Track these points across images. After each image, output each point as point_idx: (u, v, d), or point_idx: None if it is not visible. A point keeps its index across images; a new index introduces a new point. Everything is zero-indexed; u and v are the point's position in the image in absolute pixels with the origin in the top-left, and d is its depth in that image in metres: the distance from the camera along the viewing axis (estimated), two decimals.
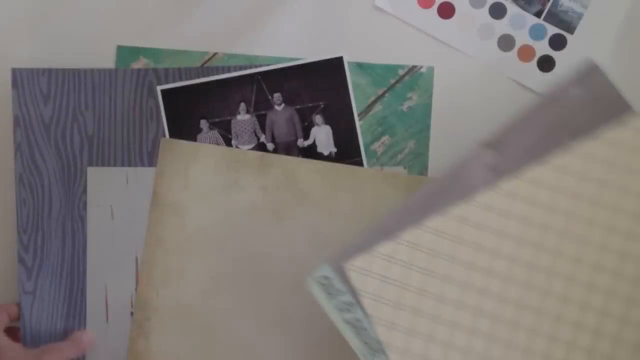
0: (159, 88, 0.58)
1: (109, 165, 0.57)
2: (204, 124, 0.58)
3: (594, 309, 0.53)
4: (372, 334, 0.51)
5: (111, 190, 0.57)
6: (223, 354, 0.57)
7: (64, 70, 0.57)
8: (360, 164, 0.58)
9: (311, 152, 0.58)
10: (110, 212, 0.58)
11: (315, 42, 0.59)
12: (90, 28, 0.59)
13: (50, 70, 0.57)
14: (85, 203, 0.57)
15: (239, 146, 0.58)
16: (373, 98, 0.59)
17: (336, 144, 0.58)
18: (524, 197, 0.53)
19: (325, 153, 0.58)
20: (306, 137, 0.58)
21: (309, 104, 0.58)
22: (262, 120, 0.58)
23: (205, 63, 0.59)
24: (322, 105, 0.58)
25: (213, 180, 0.58)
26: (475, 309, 0.52)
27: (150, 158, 0.57)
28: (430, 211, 0.52)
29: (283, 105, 0.58)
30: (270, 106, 0.58)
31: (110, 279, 0.57)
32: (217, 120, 0.58)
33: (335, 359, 0.57)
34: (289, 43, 0.59)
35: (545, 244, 0.53)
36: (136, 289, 0.57)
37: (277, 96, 0.58)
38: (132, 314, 0.57)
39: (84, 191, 0.57)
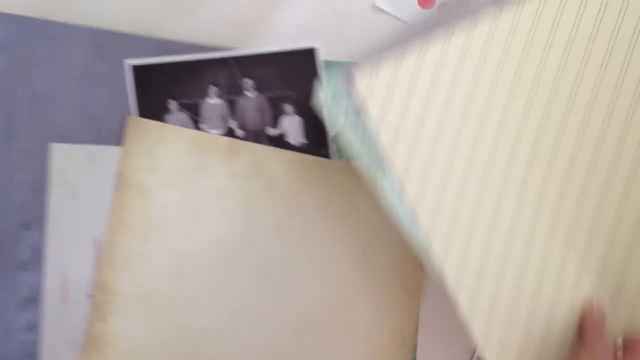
0: (128, 62, 0.56)
1: (51, 132, 0.54)
2: (172, 104, 0.57)
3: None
4: (377, 139, 0.52)
5: (75, 169, 0.55)
6: (183, 339, 0.56)
7: (19, 18, 0.53)
8: (328, 156, 0.58)
9: (280, 142, 0.58)
10: (74, 191, 0.56)
11: (315, 42, 0.59)
12: (91, 25, 0.56)
13: (6, 15, 0.53)
14: (24, 166, 0.53)
15: (208, 130, 0.57)
16: None
17: (305, 135, 0.58)
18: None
19: (294, 143, 0.58)
20: (276, 125, 0.58)
21: (280, 92, 0.58)
22: (232, 105, 0.57)
23: None
24: (293, 95, 0.58)
25: (181, 164, 0.56)
26: (481, 118, 0.53)
27: (98, 126, 0.55)
28: (439, 28, 0.54)
29: (254, 92, 0.58)
30: (241, 92, 0.58)
31: (70, 259, 0.55)
32: (186, 102, 0.57)
33: (299, 344, 0.58)
34: (288, 43, 0.59)
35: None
36: (96, 271, 0.55)
37: (249, 82, 0.58)
38: (91, 296, 0.55)
39: (24, 152, 0.53)
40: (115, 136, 0.56)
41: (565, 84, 0.56)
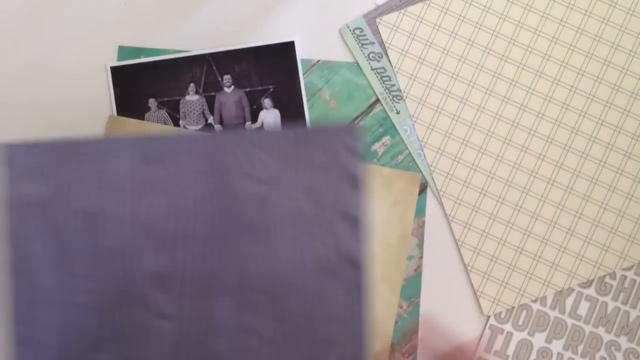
0: (108, 65, 0.58)
1: (106, 249, 0.49)
2: (152, 102, 0.58)
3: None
4: (395, 82, 0.58)
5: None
6: None
7: (59, 143, 0.49)
8: None
9: None
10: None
11: (316, 42, 0.60)
12: (91, 28, 0.59)
13: (43, 144, 0.49)
14: (82, 288, 0.49)
15: (187, 127, 0.58)
16: (374, 98, 0.60)
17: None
18: None
19: None
20: (254, 120, 0.59)
21: (258, 87, 0.59)
22: (210, 101, 0.59)
23: None
24: (271, 89, 0.59)
25: None
26: (495, 72, 0.59)
27: (154, 234, 0.51)
28: None
29: (232, 87, 0.59)
30: (219, 88, 0.59)
31: None
32: (165, 99, 0.58)
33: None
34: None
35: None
36: None
37: (226, 78, 0.59)
38: None
39: (81, 274, 0.49)
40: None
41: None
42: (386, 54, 0.59)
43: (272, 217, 0.51)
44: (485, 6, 0.60)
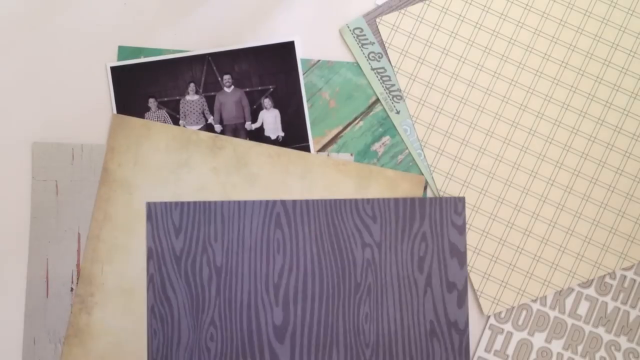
0: (108, 65, 0.58)
1: (234, 301, 0.56)
2: (152, 102, 0.58)
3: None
4: (395, 82, 0.58)
5: (57, 166, 0.57)
6: None
7: (195, 203, 0.56)
8: (307, 149, 0.59)
9: (259, 135, 0.59)
10: (54, 187, 0.57)
11: (316, 42, 0.60)
12: (91, 28, 0.59)
13: (182, 204, 0.56)
14: (212, 335, 0.55)
15: (187, 126, 0.58)
16: (374, 98, 0.60)
17: (284, 128, 0.59)
18: None
19: (273, 137, 0.59)
20: (254, 120, 0.59)
21: (258, 87, 0.59)
22: (210, 101, 0.58)
23: None
24: (271, 89, 0.59)
25: (164, 159, 0.58)
26: (495, 72, 0.59)
27: (276, 290, 0.56)
28: None
29: (232, 87, 0.59)
30: (219, 88, 0.59)
31: (51, 253, 0.56)
32: (165, 99, 0.58)
33: None
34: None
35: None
36: (77, 265, 0.56)
37: (226, 78, 0.59)
38: (72, 289, 0.56)
39: (211, 322, 0.55)
40: (274, 289, 0.57)
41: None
42: (386, 53, 0.59)
43: (382, 281, 0.56)
44: (485, 6, 0.60)
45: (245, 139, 0.58)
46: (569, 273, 0.58)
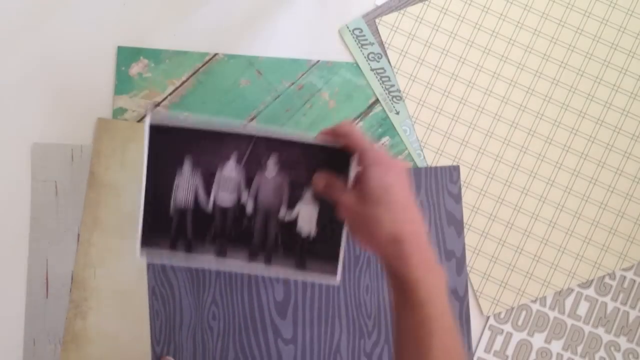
0: (147, 121, 0.49)
1: (235, 279, 0.55)
2: (187, 164, 0.51)
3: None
4: (394, 83, 0.58)
5: (56, 167, 0.57)
6: None
7: None
8: (336, 253, 0.50)
9: (290, 228, 0.52)
10: (54, 188, 0.57)
11: (315, 42, 0.60)
12: (91, 29, 0.59)
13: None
14: (214, 313, 0.55)
15: (218, 200, 0.51)
16: (373, 99, 0.59)
17: (319, 225, 0.51)
18: None
19: (304, 233, 0.52)
20: (292, 209, 0.52)
21: (304, 177, 0.52)
22: (249, 179, 0.52)
23: (205, 64, 0.58)
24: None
25: None
26: (494, 73, 0.59)
27: None
28: None
29: (277, 169, 0.52)
30: (262, 168, 0.52)
31: (51, 254, 0.56)
32: (202, 166, 0.51)
33: None
34: (289, 43, 0.60)
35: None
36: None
37: (272, 159, 0.52)
38: (71, 290, 0.56)
39: (213, 301, 0.55)
40: None
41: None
42: (385, 54, 0.59)
43: None
44: (484, 7, 0.60)
45: (275, 229, 0.52)
46: (568, 273, 0.58)
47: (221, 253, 0.51)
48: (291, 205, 0.52)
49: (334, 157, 0.50)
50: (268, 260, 0.52)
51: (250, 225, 0.52)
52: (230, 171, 0.52)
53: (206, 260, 0.51)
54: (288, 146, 0.51)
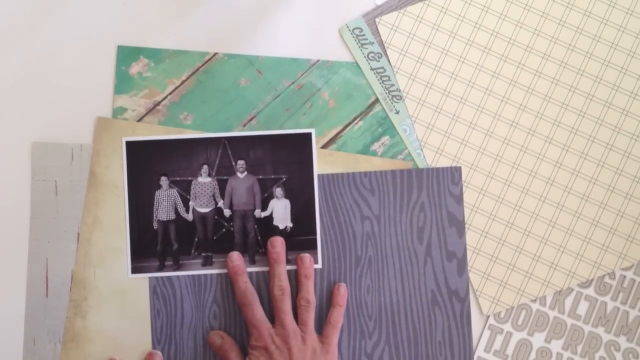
0: (124, 139, 0.57)
1: None
2: (164, 181, 0.57)
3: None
4: (394, 82, 0.58)
5: (56, 166, 0.57)
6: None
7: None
8: (315, 242, 0.57)
9: (267, 224, 0.57)
10: (54, 187, 0.57)
11: (315, 42, 0.60)
12: (91, 28, 0.59)
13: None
14: (215, 313, 0.56)
15: (197, 208, 0.57)
16: (373, 98, 0.59)
17: (293, 219, 0.57)
18: None
19: (281, 227, 0.57)
20: (264, 208, 0.57)
21: (271, 175, 0.57)
22: (222, 184, 0.57)
23: (205, 63, 0.59)
24: (284, 179, 0.57)
25: None
26: (494, 72, 0.59)
27: None
28: None
29: (245, 173, 0.57)
30: (232, 172, 0.57)
31: (51, 253, 0.56)
32: (177, 179, 0.57)
33: None
34: (288, 43, 0.60)
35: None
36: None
37: (240, 163, 0.57)
38: (71, 290, 0.56)
39: (214, 300, 0.56)
40: None
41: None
42: (385, 53, 0.59)
43: (382, 252, 0.57)
44: (484, 6, 0.60)
45: (254, 226, 0.57)
46: (568, 273, 0.58)
47: (207, 264, 0.57)
48: (264, 203, 0.57)
49: (294, 141, 0.57)
50: (252, 260, 0.57)
51: (229, 227, 0.57)
52: (204, 178, 0.57)
53: (194, 271, 0.57)
54: (252, 148, 0.57)
